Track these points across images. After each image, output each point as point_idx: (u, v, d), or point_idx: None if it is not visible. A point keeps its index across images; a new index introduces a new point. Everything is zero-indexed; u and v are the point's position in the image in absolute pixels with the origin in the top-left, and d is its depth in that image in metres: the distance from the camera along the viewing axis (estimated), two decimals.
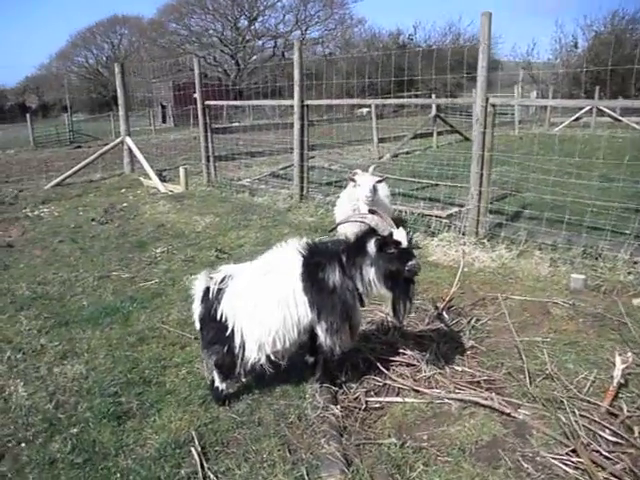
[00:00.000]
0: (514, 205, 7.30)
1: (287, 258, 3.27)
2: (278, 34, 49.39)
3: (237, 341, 3.16)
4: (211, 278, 3.26)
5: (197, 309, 3.29)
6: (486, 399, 3.27)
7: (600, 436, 2.95)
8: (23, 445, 3.10)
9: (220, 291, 3.18)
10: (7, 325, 4.60)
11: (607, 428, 3.00)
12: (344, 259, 3.29)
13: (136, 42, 56.03)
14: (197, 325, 3.35)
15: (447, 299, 4.65)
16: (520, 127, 19.79)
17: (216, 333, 3.20)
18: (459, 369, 3.74)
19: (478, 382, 3.54)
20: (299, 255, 3.26)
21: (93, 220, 8.31)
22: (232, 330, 3.15)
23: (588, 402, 3.25)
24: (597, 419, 3.08)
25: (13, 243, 7.24)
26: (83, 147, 23.11)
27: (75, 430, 3.19)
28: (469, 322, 4.44)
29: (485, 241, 6.13)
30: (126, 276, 5.77)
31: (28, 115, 26.39)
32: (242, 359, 3.20)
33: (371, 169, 5.87)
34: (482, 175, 6.09)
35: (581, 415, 3.11)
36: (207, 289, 3.23)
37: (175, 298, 5.06)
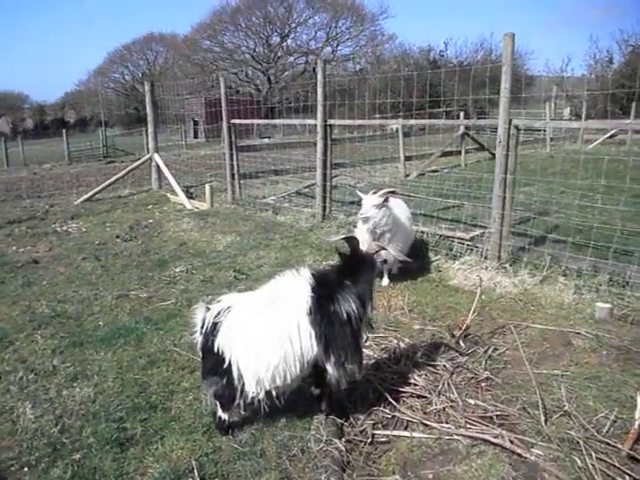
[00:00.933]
0: (539, 228, 7.11)
1: (292, 289, 3.17)
2: (309, 50, 49.90)
3: (235, 374, 3.09)
4: (208, 309, 3.22)
5: (198, 339, 3.25)
6: (496, 437, 3.14)
7: None
8: (26, 470, 3.09)
9: (216, 324, 3.12)
10: (23, 344, 4.64)
11: (627, 474, 2.84)
12: (355, 285, 3.21)
13: (170, 59, 57.44)
14: (200, 354, 3.32)
15: (464, 327, 4.51)
16: (552, 145, 19.43)
17: (214, 365, 3.15)
18: (472, 402, 3.61)
19: (490, 417, 3.41)
20: (306, 285, 3.15)
21: (117, 237, 8.42)
22: (229, 363, 3.08)
23: (607, 444, 3.08)
24: (616, 464, 2.91)
25: (39, 259, 7.36)
26: (116, 162, 23.60)
27: (77, 456, 3.17)
28: (486, 351, 4.31)
29: (507, 266, 5.97)
30: (144, 295, 5.79)
31: (64, 130, 27.13)
32: (241, 392, 3.14)
33: (384, 190, 5.77)
34: (505, 198, 5.95)
35: (598, 458, 2.95)
36: (204, 320, 3.19)
37: (189, 320, 5.03)
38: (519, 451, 3.01)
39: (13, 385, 3.95)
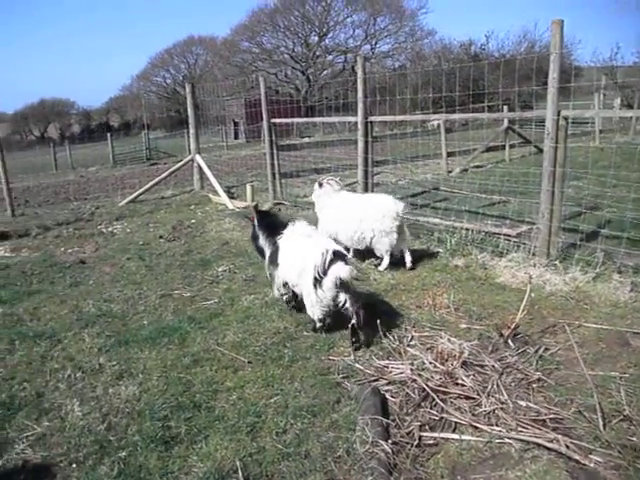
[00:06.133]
0: (590, 223, 6.82)
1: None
2: (348, 49, 49.80)
3: None
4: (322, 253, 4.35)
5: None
6: (552, 441, 3.00)
7: None
8: (74, 466, 3.13)
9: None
10: (71, 342, 4.73)
11: None
12: None
13: (210, 61, 58.23)
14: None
15: (513, 326, 4.35)
16: (602, 137, 18.71)
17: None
18: (523, 404, 3.47)
19: (544, 420, 3.26)
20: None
21: (161, 237, 8.53)
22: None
23: None
24: None
25: (86, 260, 7.52)
26: (159, 164, 24.05)
27: (123, 454, 3.18)
28: (536, 351, 4.14)
29: (557, 262, 5.74)
30: (187, 295, 5.83)
31: (109, 134, 27.86)
32: None
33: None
34: (554, 192, 5.73)
35: None
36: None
37: (232, 319, 5.04)
38: (576, 457, 2.86)
39: (62, 382, 4.03)
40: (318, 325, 4.64)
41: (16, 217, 11.10)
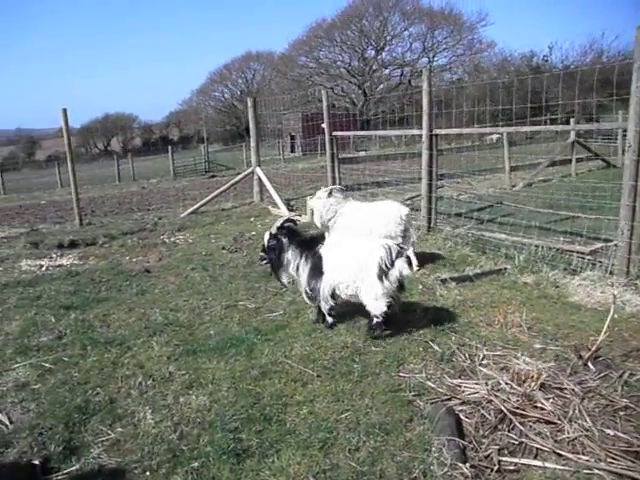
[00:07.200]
0: None
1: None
2: (405, 62, 49.70)
3: None
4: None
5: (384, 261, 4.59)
6: None
7: None
8: (148, 474, 3.14)
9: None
10: (140, 350, 4.80)
11: None
12: None
13: (268, 76, 59.41)
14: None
15: (594, 348, 4.12)
16: None
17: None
18: (610, 433, 3.25)
19: (636, 452, 3.04)
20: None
21: (223, 248, 8.63)
22: None
23: None
24: None
25: (151, 269, 7.68)
26: (217, 176, 24.54)
27: (196, 464, 3.17)
28: (621, 376, 3.89)
29: (638, 282, 5.44)
30: (252, 306, 5.85)
31: (169, 147, 28.69)
32: None
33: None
34: (635, 208, 5.45)
35: None
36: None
37: (298, 332, 5.00)
38: None
39: (133, 389, 4.08)
40: (376, 322, 4.71)
41: (83, 226, 11.52)
